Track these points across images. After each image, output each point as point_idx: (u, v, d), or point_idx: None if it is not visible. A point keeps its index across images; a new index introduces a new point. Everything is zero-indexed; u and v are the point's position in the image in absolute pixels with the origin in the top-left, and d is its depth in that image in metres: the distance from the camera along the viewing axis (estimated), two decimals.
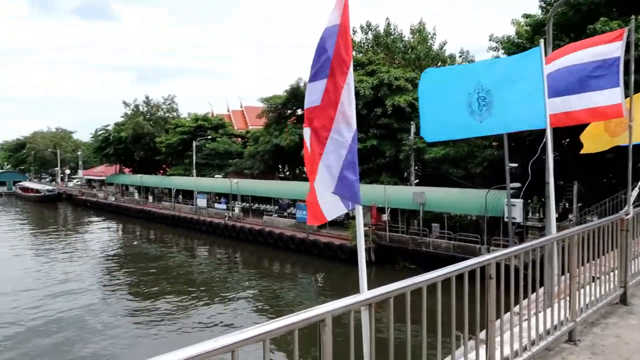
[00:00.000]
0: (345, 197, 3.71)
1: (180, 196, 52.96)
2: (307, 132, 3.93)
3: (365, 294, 2.71)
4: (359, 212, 3.88)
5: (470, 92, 5.43)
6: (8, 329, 19.19)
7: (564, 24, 21.95)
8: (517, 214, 24.49)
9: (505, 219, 24.77)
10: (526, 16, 24.18)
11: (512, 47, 24.37)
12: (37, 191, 79.31)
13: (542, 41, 5.58)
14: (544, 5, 23.97)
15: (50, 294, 24.32)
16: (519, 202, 24.47)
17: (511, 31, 26.68)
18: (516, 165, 23.57)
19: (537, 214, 26.87)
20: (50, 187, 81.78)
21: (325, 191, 3.77)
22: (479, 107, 5.40)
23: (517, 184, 23.99)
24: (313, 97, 3.82)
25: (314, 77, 3.81)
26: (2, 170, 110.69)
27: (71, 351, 17.29)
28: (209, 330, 19.31)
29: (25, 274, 28.78)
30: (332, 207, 3.93)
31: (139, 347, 17.64)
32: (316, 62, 3.78)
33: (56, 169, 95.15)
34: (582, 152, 8.76)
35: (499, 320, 3.85)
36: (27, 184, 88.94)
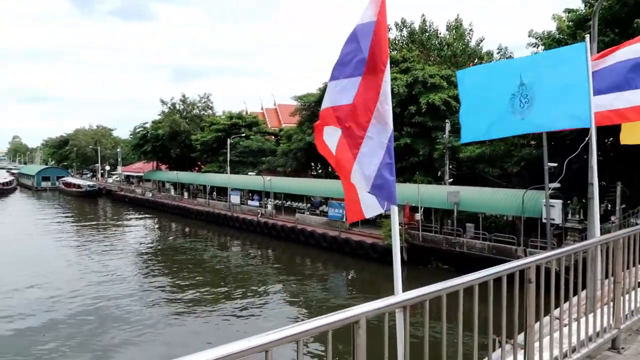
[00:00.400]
0: (381, 197, 3.65)
1: (215, 193, 53.83)
2: (332, 131, 3.79)
3: (400, 295, 2.66)
4: (395, 212, 3.82)
5: (511, 88, 5.26)
6: (48, 315, 19.97)
7: (609, 18, 21.10)
8: (556, 215, 23.76)
9: (544, 220, 24.08)
10: (568, 11, 23.37)
11: (553, 43, 23.61)
12: (79, 186, 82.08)
13: (587, 36, 5.36)
14: None
15: (89, 283, 25.13)
16: (558, 202, 23.74)
17: (552, 26, 25.88)
18: (556, 165, 22.86)
19: (577, 215, 26.00)
20: (91, 183, 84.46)
21: (362, 190, 3.71)
22: (520, 104, 5.22)
23: (557, 184, 23.28)
24: (343, 95, 3.68)
25: (342, 75, 3.68)
26: (46, 166, 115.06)
27: (105, 339, 17.82)
28: (240, 325, 19.55)
29: (66, 264, 29.86)
30: (369, 205, 3.91)
31: (172, 339, 18.02)
32: (346, 59, 3.65)
33: (96, 165, 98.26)
34: (622, 142, 8.26)
35: (537, 325, 3.73)
36: (69, 179, 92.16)
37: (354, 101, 3.61)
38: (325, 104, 3.86)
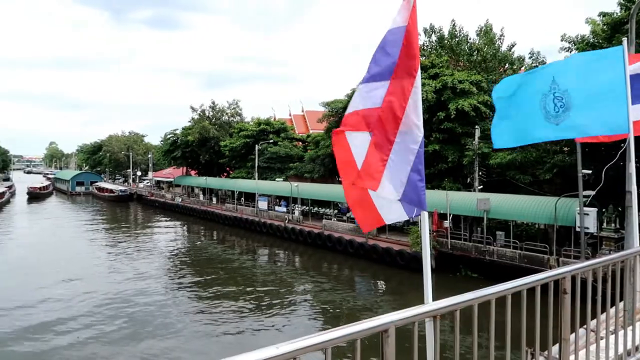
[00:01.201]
0: (411, 204, 3.60)
1: (243, 198, 54.32)
2: (361, 136, 3.69)
3: (430, 304, 2.61)
4: (425, 219, 3.74)
5: (545, 92, 5.12)
6: (77, 313, 20.47)
7: None
8: (591, 224, 23.05)
9: (577, 229, 23.40)
10: (603, 14, 22.74)
11: (587, 47, 23.00)
12: (112, 191, 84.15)
13: (624, 40, 5.19)
14: (623, 2, 22.44)
15: (119, 286, 25.68)
16: (592, 211, 23.03)
17: (585, 30, 25.23)
18: (590, 171, 22.23)
19: (613, 224, 25.20)
20: (123, 188, 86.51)
21: (390, 197, 3.62)
22: (554, 109, 5.08)
23: (591, 192, 22.61)
24: (371, 99, 3.63)
25: (372, 79, 3.65)
26: (80, 172, 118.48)
27: (133, 342, 18.13)
28: (266, 331, 19.60)
29: (100, 266, 30.60)
30: (391, 211, 3.83)
31: (198, 343, 18.21)
32: (376, 63, 3.63)
33: (128, 170, 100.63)
34: None
35: (573, 337, 3.61)
36: (102, 184, 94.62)
37: (383, 105, 3.57)
38: (352, 108, 3.78)
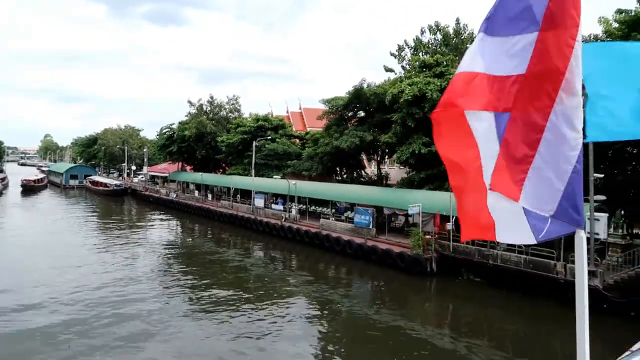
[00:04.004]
0: (565, 221, 2.32)
1: (239, 195, 53.35)
2: (482, 117, 2.45)
3: None
4: (582, 241, 2.37)
5: None
6: (68, 309, 19.50)
7: None
8: (601, 230, 22.28)
9: (587, 235, 22.59)
10: (620, 12, 21.89)
11: None
12: (106, 185, 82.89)
13: None
14: None
15: (111, 281, 24.76)
16: (603, 216, 22.25)
17: (598, 30, 24.40)
18: (602, 175, 21.45)
19: (620, 230, 24.49)
20: (118, 182, 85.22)
21: (538, 211, 2.35)
22: None
23: (602, 197, 21.83)
24: (505, 62, 2.36)
25: (505, 30, 2.37)
26: (75, 165, 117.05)
27: (121, 339, 17.18)
28: (260, 333, 18.67)
29: (90, 261, 29.59)
30: (512, 227, 2.51)
31: (188, 343, 17.27)
32: (512, 8, 2.36)
33: (123, 164, 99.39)
34: None
35: None
36: (96, 178, 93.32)
37: (528, 71, 2.31)
38: (471, 68, 2.43)
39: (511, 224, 2.49)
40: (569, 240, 24.46)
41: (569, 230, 2.32)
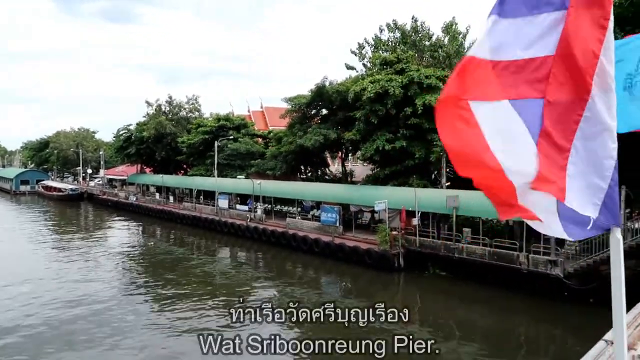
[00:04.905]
0: (605, 219, 2.11)
1: (202, 197, 52.37)
2: (497, 107, 2.07)
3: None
4: (619, 238, 2.19)
5: (630, 69, 4.09)
6: (24, 321, 18.54)
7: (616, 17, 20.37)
8: None
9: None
10: None
11: None
12: (60, 190, 79.72)
13: None
14: None
15: (67, 289, 23.77)
16: None
17: None
18: None
19: None
20: (73, 186, 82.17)
21: (580, 211, 2.10)
22: None
23: None
24: (536, 43, 2.04)
25: (527, 9, 2.04)
26: (25, 169, 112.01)
27: (79, 345, 16.49)
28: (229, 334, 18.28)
29: (45, 270, 28.31)
30: (550, 220, 2.22)
31: (152, 349, 16.75)
32: None
33: (78, 168, 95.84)
34: None
35: None
36: (49, 182, 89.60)
37: (557, 53, 2.01)
38: (493, 54, 2.07)
39: (544, 216, 2.22)
40: (530, 230, 25.21)
41: (605, 229, 2.15)
